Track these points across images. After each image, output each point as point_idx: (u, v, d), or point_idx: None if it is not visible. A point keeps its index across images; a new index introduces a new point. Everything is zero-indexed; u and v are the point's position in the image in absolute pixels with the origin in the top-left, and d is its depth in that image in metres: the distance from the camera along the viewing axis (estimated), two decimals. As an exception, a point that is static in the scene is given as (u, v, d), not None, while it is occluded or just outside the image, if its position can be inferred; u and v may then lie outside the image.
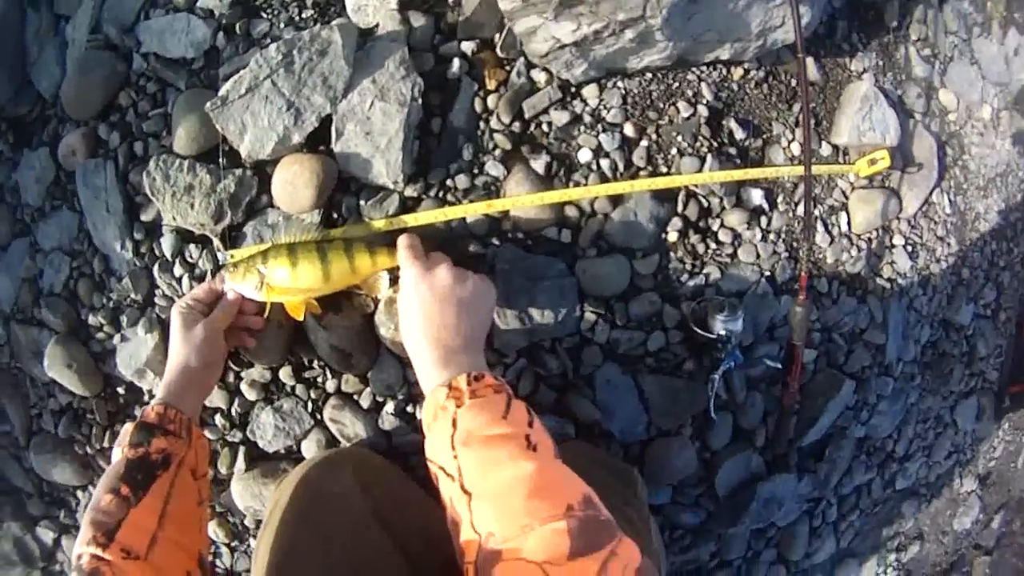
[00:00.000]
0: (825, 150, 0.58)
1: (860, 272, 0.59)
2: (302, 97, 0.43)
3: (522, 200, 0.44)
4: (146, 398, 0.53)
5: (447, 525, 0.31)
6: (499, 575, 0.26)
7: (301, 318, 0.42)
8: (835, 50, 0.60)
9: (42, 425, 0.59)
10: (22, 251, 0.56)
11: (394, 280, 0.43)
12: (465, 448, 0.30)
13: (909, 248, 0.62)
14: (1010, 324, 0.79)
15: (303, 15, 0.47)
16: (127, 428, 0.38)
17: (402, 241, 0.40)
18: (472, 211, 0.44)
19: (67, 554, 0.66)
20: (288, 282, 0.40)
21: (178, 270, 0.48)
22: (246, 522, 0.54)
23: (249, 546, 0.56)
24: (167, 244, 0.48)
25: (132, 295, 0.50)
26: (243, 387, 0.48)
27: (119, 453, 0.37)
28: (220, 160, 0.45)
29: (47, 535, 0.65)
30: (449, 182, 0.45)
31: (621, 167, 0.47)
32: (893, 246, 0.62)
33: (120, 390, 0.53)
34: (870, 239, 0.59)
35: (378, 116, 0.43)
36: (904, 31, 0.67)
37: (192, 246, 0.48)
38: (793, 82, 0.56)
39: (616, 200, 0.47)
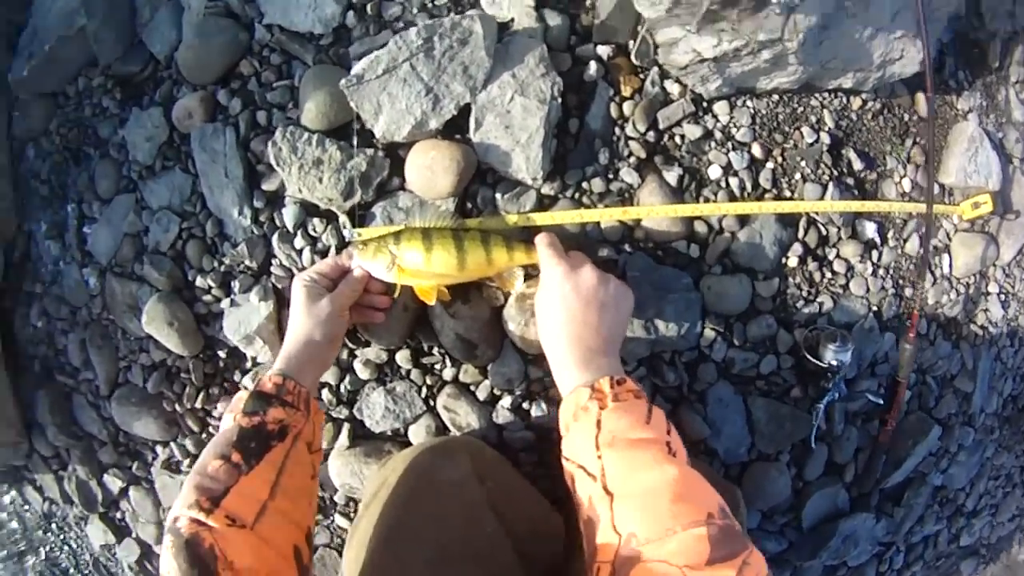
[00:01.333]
0: (934, 189, 0.58)
1: (957, 316, 0.59)
2: (441, 84, 0.43)
3: (656, 211, 0.45)
4: (248, 364, 0.54)
5: (578, 524, 0.32)
6: (638, 575, 0.26)
7: (432, 303, 0.42)
8: (943, 87, 0.59)
9: (129, 378, 0.61)
10: (127, 207, 0.57)
11: (527, 276, 0.43)
12: (610, 449, 0.31)
13: (1002, 297, 0.62)
14: None
15: (436, 2, 0.47)
16: (241, 396, 0.38)
17: (543, 239, 0.41)
18: (608, 216, 0.44)
19: (132, 505, 0.68)
20: (420, 266, 0.41)
21: (299, 242, 0.49)
22: (335, 498, 0.55)
23: (333, 522, 0.57)
24: (289, 215, 0.49)
25: (247, 262, 0.50)
26: (356, 365, 0.49)
27: (230, 420, 0.37)
28: (353, 138, 0.45)
29: (115, 483, 0.67)
30: (585, 184, 0.46)
31: (748, 187, 0.48)
32: (988, 293, 0.61)
33: (221, 353, 0.54)
34: (968, 284, 0.59)
35: (518, 111, 0.44)
36: (1005, 71, 0.66)
37: (316, 220, 0.48)
38: (906, 116, 0.56)
39: (743, 220, 0.47)
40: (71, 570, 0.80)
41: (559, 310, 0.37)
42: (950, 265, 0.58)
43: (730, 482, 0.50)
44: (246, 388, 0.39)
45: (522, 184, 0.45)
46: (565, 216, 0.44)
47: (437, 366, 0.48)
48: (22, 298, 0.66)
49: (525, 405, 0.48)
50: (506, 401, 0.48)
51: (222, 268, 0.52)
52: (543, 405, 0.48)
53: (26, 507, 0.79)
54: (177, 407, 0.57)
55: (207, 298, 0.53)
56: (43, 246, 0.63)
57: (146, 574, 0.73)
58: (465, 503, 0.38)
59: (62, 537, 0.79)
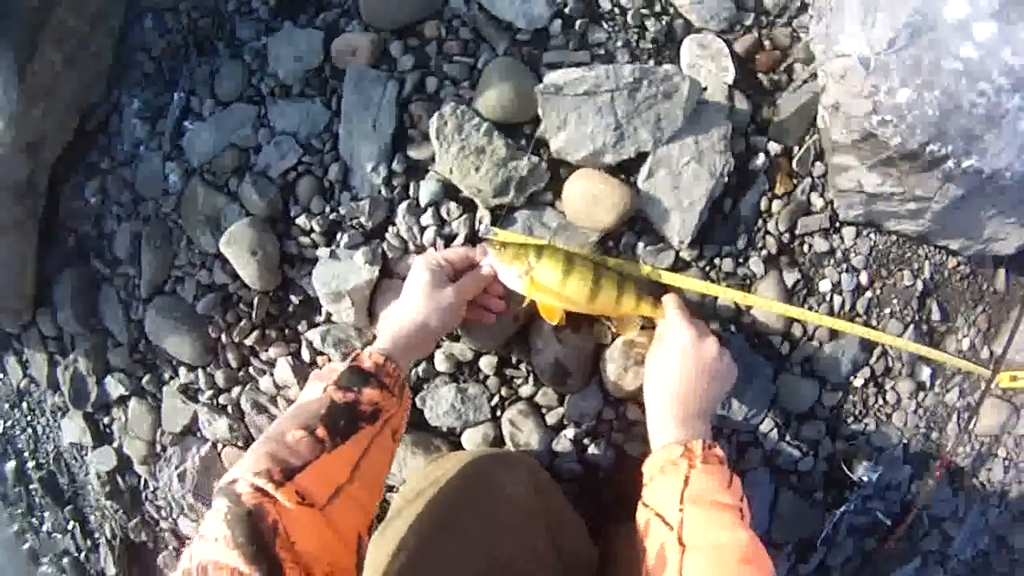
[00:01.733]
0: (983, 352, 0.66)
1: (964, 468, 0.66)
2: (631, 125, 0.45)
3: (770, 305, 0.48)
4: (319, 319, 0.52)
5: (636, 568, 0.33)
6: None
7: (555, 322, 0.42)
8: (1021, 268, 0.65)
9: (177, 289, 0.57)
10: (245, 117, 0.53)
11: (642, 327, 0.45)
12: (693, 506, 0.33)
13: (1006, 463, 0.69)
14: None
15: (640, 45, 0.49)
16: (334, 366, 0.36)
17: (674, 300, 0.43)
18: (729, 296, 0.47)
19: (127, 415, 0.63)
20: (553, 286, 0.41)
21: (427, 219, 0.48)
22: None
23: None
24: (427, 190, 0.48)
25: (363, 219, 0.49)
26: (437, 355, 0.49)
27: (319, 390, 0.35)
28: (522, 140, 0.46)
29: (116, 388, 0.62)
30: (717, 261, 0.49)
31: (847, 307, 0.52)
32: (996, 455, 0.68)
33: (294, 298, 0.52)
34: (982, 443, 0.66)
35: (689, 176, 0.46)
36: None
37: (453, 204, 0.48)
38: (985, 286, 0.63)
39: (833, 334, 0.52)
40: (25, 453, 0.73)
41: (676, 370, 0.39)
42: (975, 423, 0.65)
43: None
44: (322, 353, 0.38)
45: (666, 242, 0.48)
46: (692, 283, 0.46)
47: (518, 380, 0.49)
48: (82, 169, 0.60)
49: (586, 441, 0.50)
50: (570, 432, 0.49)
51: (332, 216, 0.50)
52: (602, 445, 0.50)
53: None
54: (224, 337, 0.54)
55: (303, 240, 0.50)
56: (128, 123, 0.58)
57: (112, 486, 0.68)
58: (522, 515, 0.38)
59: (29, 419, 0.71)
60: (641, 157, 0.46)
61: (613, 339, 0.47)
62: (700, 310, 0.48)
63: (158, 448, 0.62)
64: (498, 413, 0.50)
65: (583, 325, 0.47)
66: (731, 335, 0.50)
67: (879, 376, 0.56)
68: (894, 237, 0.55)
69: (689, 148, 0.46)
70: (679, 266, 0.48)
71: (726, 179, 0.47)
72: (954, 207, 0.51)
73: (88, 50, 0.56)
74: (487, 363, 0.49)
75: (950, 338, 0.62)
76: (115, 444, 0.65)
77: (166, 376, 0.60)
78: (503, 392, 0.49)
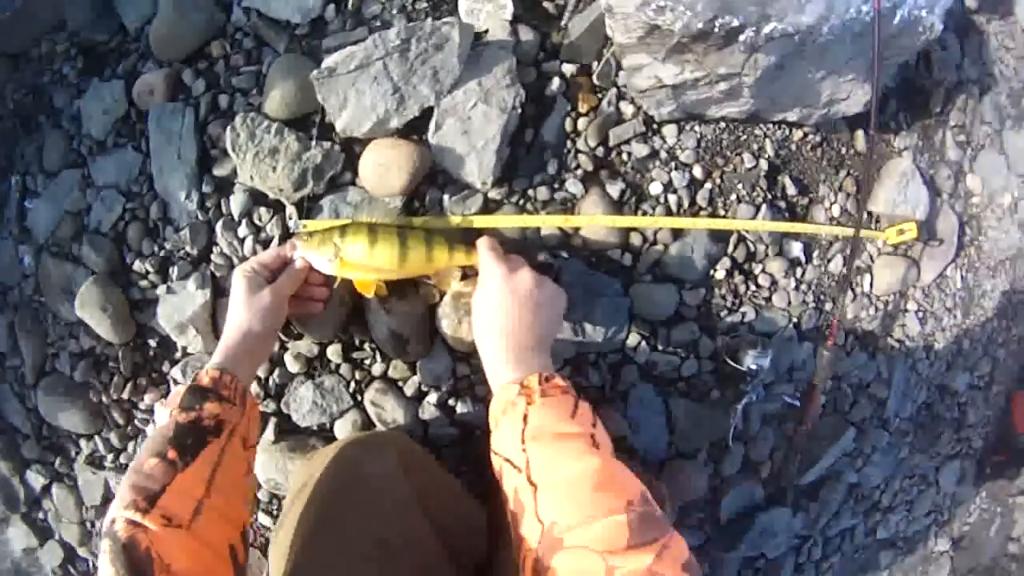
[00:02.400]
0: (861, 215, 0.66)
1: (874, 330, 0.65)
2: (409, 85, 0.46)
3: (595, 220, 0.48)
4: (178, 355, 0.53)
5: (504, 517, 0.33)
6: (560, 561, 0.28)
7: (371, 295, 0.43)
8: (883, 127, 0.66)
9: (56, 366, 0.58)
10: (72, 182, 0.56)
11: (464, 277, 0.45)
12: (534, 443, 0.33)
13: (920, 314, 0.70)
14: (1000, 397, 0.87)
15: (416, 6, 0.50)
16: (178, 391, 0.37)
17: (485, 242, 0.42)
18: (549, 223, 0.47)
19: (55, 504, 0.64)
20: (363, 260, 0.41)
21: (243, 231, 0.49)
22: (259, 495, 0.54)
23: (256, 520, 0.56)
24: (237, 203, 0.49)
25: (188, 248, 0.50)
26: (287, 358, 0.49)
27: (166, 416, 0.36)
28: (313, 130, 0.47)
29: (37, 480, 0.63)
30: (531, 192, 0.49)
31: (686, 204, 0.52)
32: (906, 310, 0.69)
33: (152, 342, 0.53)
34: (887, 301, 0.66)
35: (479, 117, 0.47)
36: (945, 116, 0.75)
37: (263, 209, 0.49)
38: (843, 150, 0.63)
39: (677, 233, 0.51)
40: (-17, 577, 0.75)
41: (496, 310, 0.39)
42: (871, 284, 0.65)
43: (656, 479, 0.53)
44: (179, 383, 0.39)
45: (470, 188, 0.48)
46: (506, 220, 0.46)
47: (367, 361, 0.49)
48: None
49: (451, 402, 0.50)
50: (433, 397, 0.49)
51: (162, 253, 0.51)
52: (469, 402, 0.50)
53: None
54: (103, 398, 0.55)
55: (143, 283, 0.52)
56: None
57: (66, 579, 0.69)
58: (394, 497, 0.38)
59: (-25, 542, 0.73)
60: (427, 113, 0.47)
61: (441, 297, 0.47)
62: (524, 244, 0.48)
63: (88, 526, 0.63)
64: (359, 398, 0.50)
65: (408, 291, 0.47)
66: (565, 261, 0.49)
67: (742, 263, 0.56)
68: (723, 124, 0.55)
69: (474, 91, 0.47)
70: (491, 207, 0.48)
71: (519, 111, 0.47)
72: (772, 78, 0.50)
73: None
74: (334, 352, 0.49)
75: (816, 208, 0.62)
76: (56, 536, 0.66)
77: (73, 453, 0.61)
78: (357, 376, 0.49)
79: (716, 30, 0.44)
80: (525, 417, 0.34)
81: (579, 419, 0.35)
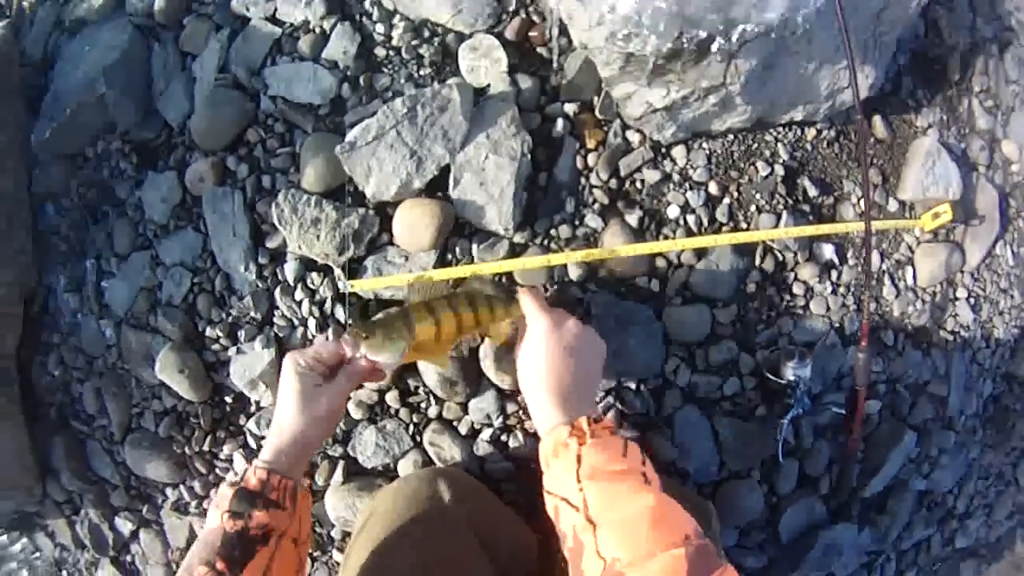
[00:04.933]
0: (892, 205, 0.66)
1: (925, 324, 0.66)
2: (424, 147, 0.54)
3: (618, 251, 0.53)
4: (252, 408, 0.63)
5: (562, 552, 0.36)
6: None
7: (447, 366, 0.47)
8: (901, 107, 0.67)
9: (141, 423, 0.70)
10: (142, 263, 0.67)
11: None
12: (591, 482, 0.36)
13: (972, 301, 0.69)
14: None
15: (421, 72, 0.58)
16: (226, 492, 0.39)
17: (527, 294, 0.45)
18: (573, 259, 0.53)
19: (142, 547, 0.76)
20: (432, 343, 0.43)
21: (299, 294, 0.59)
22: (333, 533, 0.63)
23: (331, 557, 0.65)
24: (290, 270, 0.59)
25: (252, 313, 0.60)
26: (350, 407, 0.58)
27: (216, 517, 0.39)
28: (346, 199, 0.55)
29: (126, 526, 0.76)
30: (553, 232, 0.55)
31: (706, 222, 0.57)
32: (957, 299, 0.69)
33: (227, 398, 0.64)
34: (935, 292, 0.67)
35: (492, 168, 0.54)
36: (967, 83, 0.74)
37: (314, 274, 0.58)
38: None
39: (700, 253, 0.56)
40: (79, 617, 0.88)
41: (543, 360, 0.41)
42: (914, 276, 0.66)
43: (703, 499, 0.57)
44: (230, 483, 0.39)
45: (495, 235, 0.55)
46: (535, 262, 0.53)
47: (423, 404, 0.57)
48: (40, 348, 0.76)
49: (504, 438, 0.56)
50: (485, 434, 0.56)
51: (229, 319, 0.61)
52: (520, 437, 0.56)
53: (36, 555, 0.87)
54: (186, 450, 0.66)
55: (215, 347, 0.62)
56: (62, 299, 0.74)
57: (154, 617, 0.80)
58: (446, 523, 0.44)
59: (72, 584, 0.87)
60: (446, 170, 0.54)
61: (481, 338, 0.54)
62: (564, 294, 0.53)
63: (173, 567, 0.75)
64: (418, 439, 0.58)
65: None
66: (593, 295, 0.55)
67: (772, 274, 0.59)
68: (730, 136, 0.59)
69: (483, 144, 0.54)
70: (517, 251, 0.55)
71: (528, 156, 0.54)
72: (762, 80, 0.53)
73: (12, 246, 0.71)
74: (392, 398, 0.58)
75: (844, 205, 0.64)
76: (143, 578, 0.79)
77: (159, 500, 0.73)
78: (415, 419, 0.57)
79: (686, 45, 0.47)
80: (579, 458, 0.37)
81: (630, 458, 0.38)
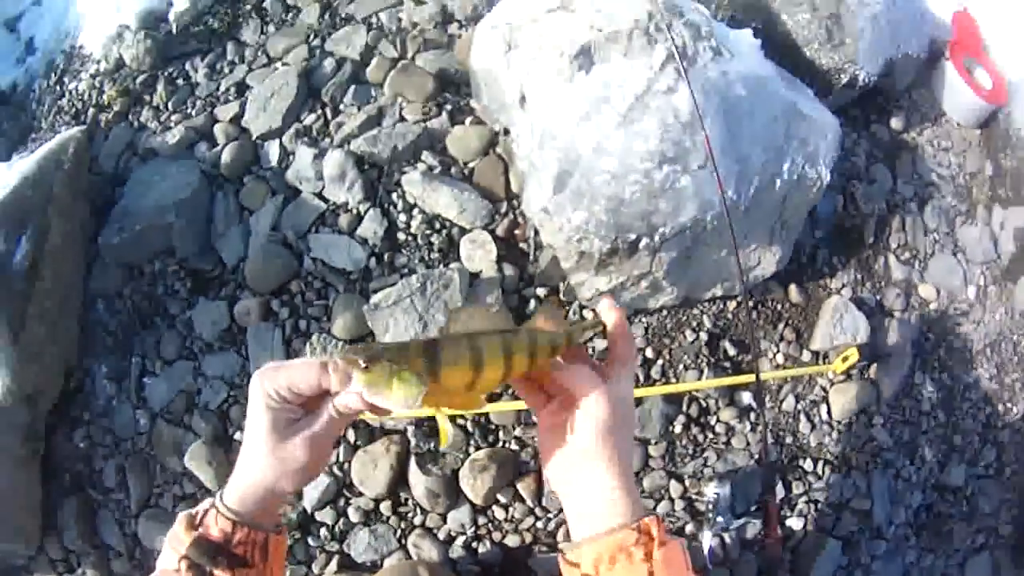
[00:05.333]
0: (806, 356, 0.91)
1: (844, 451, 0.87)
2: (429, 314, 0.78)
3: None
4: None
5: None
6: None
7: (479, 408, 0.43)
8: (816, 274, 0.94)
9: (159, 503, 0.88)
10: (186, 370, 0.89)
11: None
12: None
13: (889, 426, 0.90)
14: (1018, 476, 0.99)
15: (431, 256, 0.83)
16: (181, 535, 0.34)
17: (615, 317, 0.37)
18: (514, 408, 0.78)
19: None
20: (463, 387, 0.32)
21: None
22: None
23: None
24: None
25: None
26: (350, 511, 0.78)
27: (172, 559, 0.34)
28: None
29: None
30: None
31: (642, 379, 0.81)
32: (873, 425, 0.89)
33: None
34: (850, 423, 0.88)
35: None
36: (884, 243, 1.00)
37: None
38: (779, 306, 0.91)
39: (637, 401, 0.80)
40: None
41: (609, 430, 0.34)
42: (828, 412, 0.88)
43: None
44: (187, 523, 0.35)
45: None
46: (505, 406, 0.76)
47: (410, 514, 0.77)
48: (69, 419, 0.94)
49: (474, 544, 0.76)
50: (460, 541, 0.76)
51: None
52: (488, 544, 0.76)
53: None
54: None
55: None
56: (100, 384, 0.93)
57: None
58: None
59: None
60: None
61: (461, 463, 0.76)
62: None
63: None
64: (403, 541, 0.78)
65: (438, 457, 0.77)
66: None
67: (697, 417, 0.83)
68: (664, 312, 0.85)
69: None
70: (492, 399, 0.78)
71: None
72: (684, 267, 0.79)
73: (61, 326, 0.92)
74: (385, 507, 0.78)
75: (762, 360, 0.89)
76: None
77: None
78: (402, 525, 0.78)
79: (621, 245, 0.74)
80: (651, 573, 0.33)
81: (692, 567, 0.34)
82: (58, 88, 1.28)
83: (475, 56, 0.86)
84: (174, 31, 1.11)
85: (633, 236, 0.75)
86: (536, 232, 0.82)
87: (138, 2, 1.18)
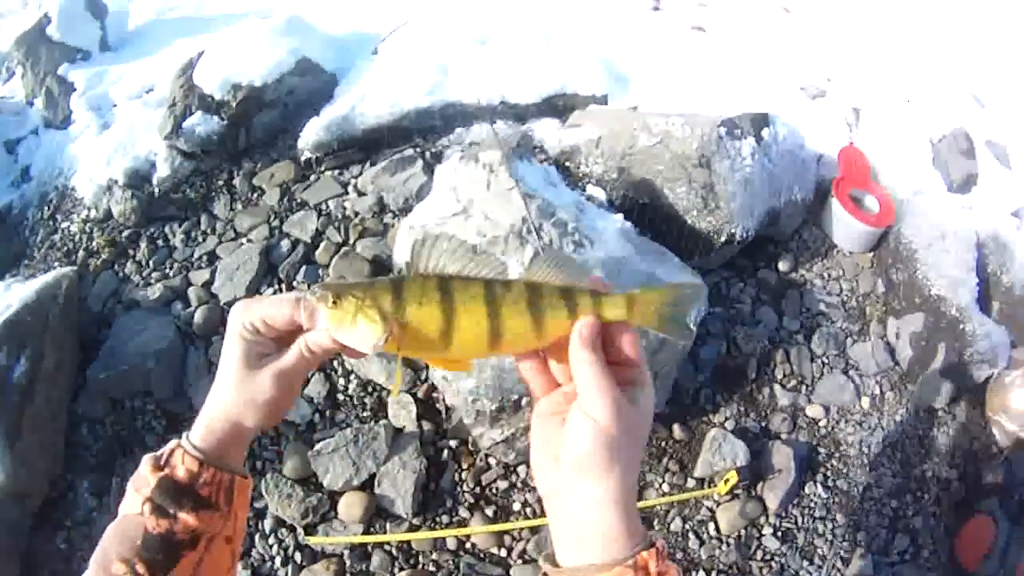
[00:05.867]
0: (691, 483, 1.26)
1: (735, 561, 1.13)
2: (361, 461, 1.07)
3: (477, 530, 1.08)
4: None
5: None
6: None
7: (469, 370, 0.37)
8: (700, 412, 1.23)
9: None
10: None
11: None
12: None
13: (780, 534, 1.13)
14: (940, 553, 1.16)
15: (364, 414, 1.14)
16: (146, 476, 0.38)
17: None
18: (449, 534, 1.06)
19: None
20: (435, 341, 0.34)
21: (271, 541, 1.09)
22: None
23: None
24: (267, 524, 1.09)
25: None
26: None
27: (136, 502, 0.37)
28: (311, 486, 1.17)
29: None
30: (438, 518, 1.08)
31: (539, 512, 1.11)
32: (762, 535, 1.14)
33: None
34: (739, 536, 1.15)
35: (400, 478, 1.06)
36: (769, 375, 1.28)
37: (283, 529, 1.08)
38: (664, 443, 1.24)
39: (535, 530, 1.09)
40: None
41: (613, 450, 0.34)
42: (716, 528, 1.19)
43: None
44: (153, 464, 0.39)
45: (401, 517, 1.08)
46: (424, 535, 1.05)
47: None
48: (51, 522, 1.19)
49: None
50: None
51: None
52: None
53: None
54: None
55: None
56: (81, 496, 1.19)
57: None
58: None
59: None
60: (373, 476, 1.08)
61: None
62: (434, 550, 1.13)
63: None
64: None
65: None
66: (460, 558, 1.09)
67: None
68: None
69: (397, 463, 1.07)
70: (414, 527, 1.06)
71: (424, 472, 1.08)
72: None
73: (49, 440, 1.18)
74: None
75: (648, 491, 1.24)
76: None
77: None
78: None
79: (507, 404, 1.03)
80: None
81: None
82: (51, 223, 1.68)
83: (396, 250, 1.21)
84: (156, 193, 1.51)
85: (516, 396, 1.05)
86: (445, 396, 1.17)
87: (125, 159, 1.59)
